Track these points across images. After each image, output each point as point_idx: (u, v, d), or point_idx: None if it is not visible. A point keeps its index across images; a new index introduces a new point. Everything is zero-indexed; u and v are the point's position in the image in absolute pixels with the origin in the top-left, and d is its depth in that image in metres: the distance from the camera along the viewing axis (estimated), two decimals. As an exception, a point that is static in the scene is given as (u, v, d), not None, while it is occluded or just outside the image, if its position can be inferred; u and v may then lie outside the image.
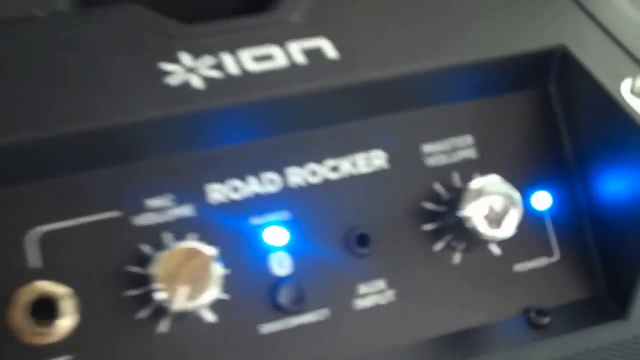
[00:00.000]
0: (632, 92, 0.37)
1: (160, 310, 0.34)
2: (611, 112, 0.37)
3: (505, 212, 0.36)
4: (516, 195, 0.36)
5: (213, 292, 0.33)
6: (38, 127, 0.33)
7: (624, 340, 0.39)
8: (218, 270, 0.33)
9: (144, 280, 0.34)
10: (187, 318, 0.35)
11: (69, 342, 0.34)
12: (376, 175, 0.38)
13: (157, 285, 0.33)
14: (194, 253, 0.33)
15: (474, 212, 0.36)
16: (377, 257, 0.37)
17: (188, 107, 0.34)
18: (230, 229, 0.36)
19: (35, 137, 0.33)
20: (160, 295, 0.33)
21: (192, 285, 0.33)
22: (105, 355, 0.34)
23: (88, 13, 0.37)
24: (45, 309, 0.34)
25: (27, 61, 0.34)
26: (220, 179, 0.36)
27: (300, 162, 0.37)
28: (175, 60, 0.35)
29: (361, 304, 0.37)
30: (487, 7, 0.39)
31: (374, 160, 0.38)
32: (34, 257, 0.34)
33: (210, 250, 0.33)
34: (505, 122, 0.39)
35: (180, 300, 0.33)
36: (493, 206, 0.36)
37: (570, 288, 0.39)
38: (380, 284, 0.37)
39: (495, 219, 0.36)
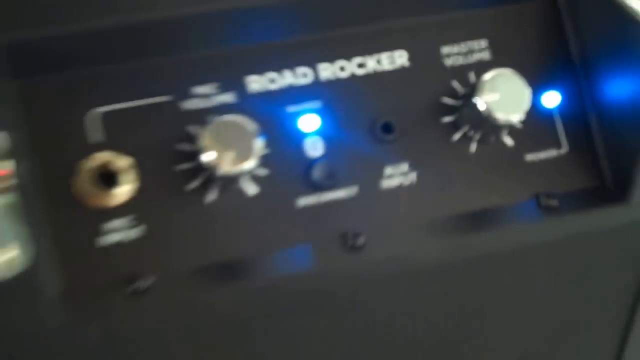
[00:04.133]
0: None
1: (208, 181, 0.38)
2: (613, 13, 0.41)
3: (515, 97, 0.40)
4: (525, 83, 0.40)
5: (254, 161, 0.37)
6: (101, 17, 0.38)
7: (624, 224, 0.42)
8: (259, 142, 0.37)
9: (193, 156, 0.38)
10: (232, 190, 0.39)
11: (129, 206, 0.38)
12: (399, 73, 0.42)
13: (204, 154, 0.37)
14: (238, 124, 0.37)
15: (488, 98, 0.40)
16: (401, 144, 0.41)
17: (230, 3, 0.39)
18: (268, 116, 0.40)
19: (98, 26, 0.37)
20: (207, 159, 0.37)
21: (237, 152, 0.37)
22: (162, 218, 0.38)
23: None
24: (107, 178, 0.38)
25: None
26: (259, 71, 0.40)
27: (330, 59, 0.41)
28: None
29: (387, 183, 0.41)
30: None
31: (397, 59, 0.42)
32: (95, 134, 0.38)
33: (252, 125, 0.37)
34: (518, 29, 0.43)
35: (226, 165, 0.37)
36: (504, 93, 0.40)
37: (578, 177, 0.43)
38: (404, 167, 0.41)
39: (506, 105, 0.40)
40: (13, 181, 0.33)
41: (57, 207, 0.37)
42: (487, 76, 0.40)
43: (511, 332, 0.46)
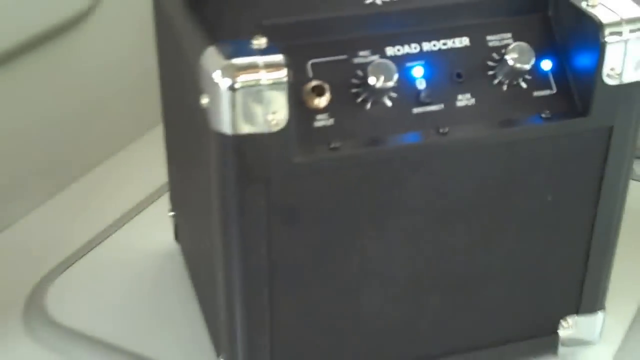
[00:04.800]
0: (588, 5, 0.78)
1: (368, 97, 0.75)
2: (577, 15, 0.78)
3: (526, 57, 0.77)
4: (532, 50, 0.77)
5: (392, 83, 0.74)
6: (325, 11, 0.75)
7: (587, 130, 0.78)
8: (395, 76, 0.74)
9: (359, 85, 0.75)
10: (379, 102, 0.75)
11: (327, 108, 0.74)
12: (465, 49, 0.79)
13: (369, 78, 0.74)
14: (385, 64, 0.74)
15: (512, 57, 0.76)
16: (466, 84, 0.78)
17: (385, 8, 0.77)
18: (397, 65, 0.77)
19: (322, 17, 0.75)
20: (370, 82, 0.74)
21: (384, 76, 0.74)
22: (343, 115, 0.75)
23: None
24: (317, 93, 0.74)
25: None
26: (392, 44, 0.78)
27: (429, 39, 0.78)
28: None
29: (459, 104, 0.77)
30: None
31: (463, 42, 0.79)
32: (310, 73, 0.75)
33: (391, 65, 0.74)
34: (529, 25, 0.80)
35: (379, 84, 0.74)
36: (520, 54, 0.77)
37: (561, 105, 0.77)
38: (468, 95, 0.78)
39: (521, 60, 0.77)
40: (285, 78, 0.70)
41: (295, 105, 0.73)
42: (511, 46, 0.77)
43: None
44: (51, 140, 1.21)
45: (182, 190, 0.98)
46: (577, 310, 0.88)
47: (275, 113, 0.69)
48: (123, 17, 1.27)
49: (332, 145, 0.73)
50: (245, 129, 0.69)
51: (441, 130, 0.75)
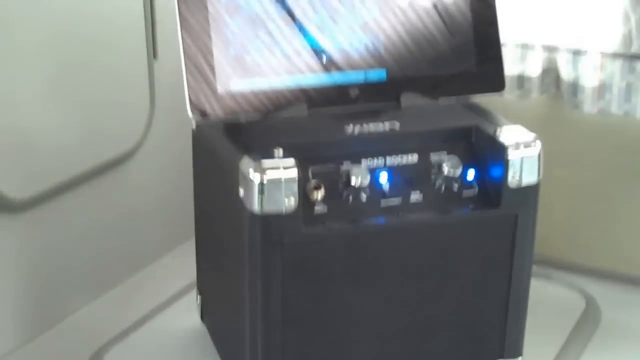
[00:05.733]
0: (496, 134, 1.15)
1: (351, 195, 1.12)
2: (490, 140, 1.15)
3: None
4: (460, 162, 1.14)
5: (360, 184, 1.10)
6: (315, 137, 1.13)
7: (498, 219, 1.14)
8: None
9: (344, 187, 1.12)
10: (354, 197, 1.12)
11: (322, 200, 1.10)
12: (411, 166, 1.16)
13: (350, 184, 1.10)
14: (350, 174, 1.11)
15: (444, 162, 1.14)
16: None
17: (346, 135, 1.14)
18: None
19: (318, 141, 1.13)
20: (353, 183, 1.10)
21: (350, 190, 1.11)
22: (333, 202, 1.11)
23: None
24: (315, 190, 1.10)
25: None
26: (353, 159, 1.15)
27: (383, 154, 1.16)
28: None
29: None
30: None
31: (410, 158, 1.16)
32: (312, 181, 1.12)
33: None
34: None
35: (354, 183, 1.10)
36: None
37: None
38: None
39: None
40: (296, 176, 1.06)
41: (301, 196, 1.09)
42: (446, 161, 1.14)
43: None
44: (95, 253, 1.56)
45: (209, 273, 1.33)
46: (502, 355, 1.22)
47: (289, 199, 1.05)
48: (163, 153, 1.64)
49: (326, 224, 1.09)
50: (269, 209, 1.05)
51: (399, 216, 1.11)
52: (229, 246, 1.15)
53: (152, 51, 1.52)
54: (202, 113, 1.12)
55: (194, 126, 1.24)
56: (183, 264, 1.46)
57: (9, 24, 1.28)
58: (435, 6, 1.21)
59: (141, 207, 1.61)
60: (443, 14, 1.23)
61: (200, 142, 1.27)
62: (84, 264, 1.52)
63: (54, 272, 1.47)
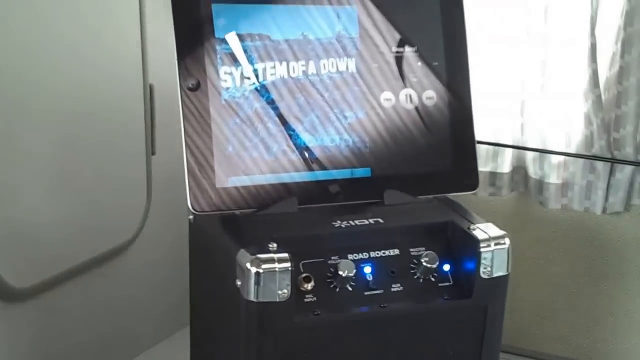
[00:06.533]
0: (470, 229, 1.27)
1: (338, 286, 1.22)
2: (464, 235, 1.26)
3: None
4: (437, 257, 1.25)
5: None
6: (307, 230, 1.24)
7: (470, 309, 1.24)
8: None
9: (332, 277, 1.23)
10: (343, 288, 1.22)
11: (312, 290, 1.20)
12: (392, 257, 1.27)
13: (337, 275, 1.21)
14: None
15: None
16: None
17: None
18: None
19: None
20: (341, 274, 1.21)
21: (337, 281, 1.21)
22: (322, 292, 1.21)
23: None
24: (305, 281, 1.20)
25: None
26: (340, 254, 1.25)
27: (367, 250, 1.27)
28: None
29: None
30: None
31: (391, 252, 1.27)
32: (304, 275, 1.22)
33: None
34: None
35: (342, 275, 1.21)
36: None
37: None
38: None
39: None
40: (289, 268, 1.16)
41: (293, 286, 1.19)
42: (425, 254, 1.25)
43: None
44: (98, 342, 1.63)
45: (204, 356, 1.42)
46: None
47: (282, 290, 1.15)
48: (158, 244, 1.74)
49: (315, 312, 1.19)
50: (264, 298, 1.15)
51: (382, 306, 1.22)
52: (223, 333, 1.25)
53: (151, 148, 1.62)
54: (201, 207, 1.22)
55: (191, 218, 1.33)
56: (177, 352, 1.53)
57: (16, 129, 1.37)
58: (416, 108, 1.33)
59: (136, 296, 1.69)
60: (424, 115, 1.34)
61: (197, 233, 1.37)
62: (80, 353, 1.59)
63: (49, 361, 1.51)
